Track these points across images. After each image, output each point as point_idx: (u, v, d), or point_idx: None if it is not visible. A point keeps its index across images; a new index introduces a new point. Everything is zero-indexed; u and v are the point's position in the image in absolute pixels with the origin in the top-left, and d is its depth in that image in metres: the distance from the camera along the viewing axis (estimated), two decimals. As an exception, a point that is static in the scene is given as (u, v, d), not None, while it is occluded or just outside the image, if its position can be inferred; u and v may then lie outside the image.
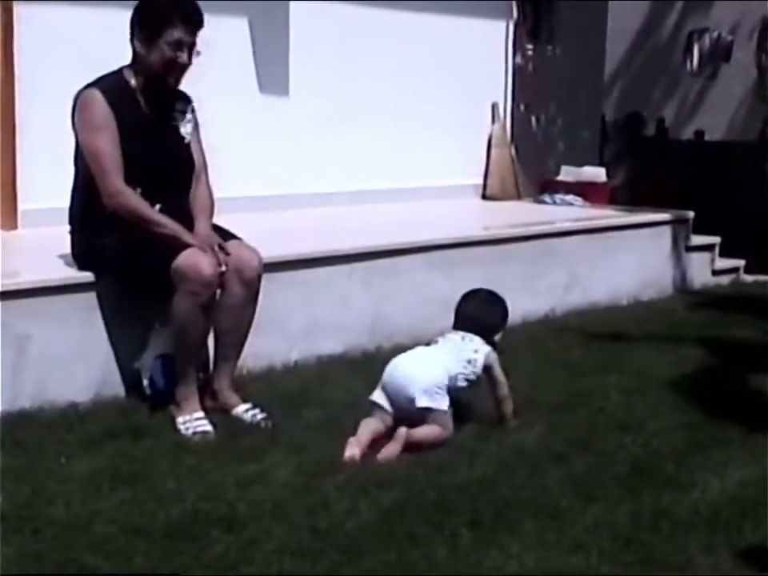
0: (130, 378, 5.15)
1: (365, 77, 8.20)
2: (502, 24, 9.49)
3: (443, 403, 4.65)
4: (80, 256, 5.19)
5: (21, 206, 6.59)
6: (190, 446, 4.52)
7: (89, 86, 4.98)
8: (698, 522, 3.85)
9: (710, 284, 8.60)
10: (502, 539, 3.70)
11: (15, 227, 6.57)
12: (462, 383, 4.78)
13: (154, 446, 4.49)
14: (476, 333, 4.93)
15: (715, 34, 12.71)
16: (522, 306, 5.53)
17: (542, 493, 4.10)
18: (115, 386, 5.16)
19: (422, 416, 4.61)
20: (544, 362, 5.89)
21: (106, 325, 5.15)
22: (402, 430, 4.53)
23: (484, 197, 9.26)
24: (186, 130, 5.19)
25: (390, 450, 4.48)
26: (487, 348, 4.88)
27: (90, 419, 4.77)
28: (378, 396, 4.72)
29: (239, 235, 5.12)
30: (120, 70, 5.06)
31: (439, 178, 8.70)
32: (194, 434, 4.70)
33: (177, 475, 4.16)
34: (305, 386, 5.33)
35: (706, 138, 12.63)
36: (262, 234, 5.42)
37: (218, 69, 7.42)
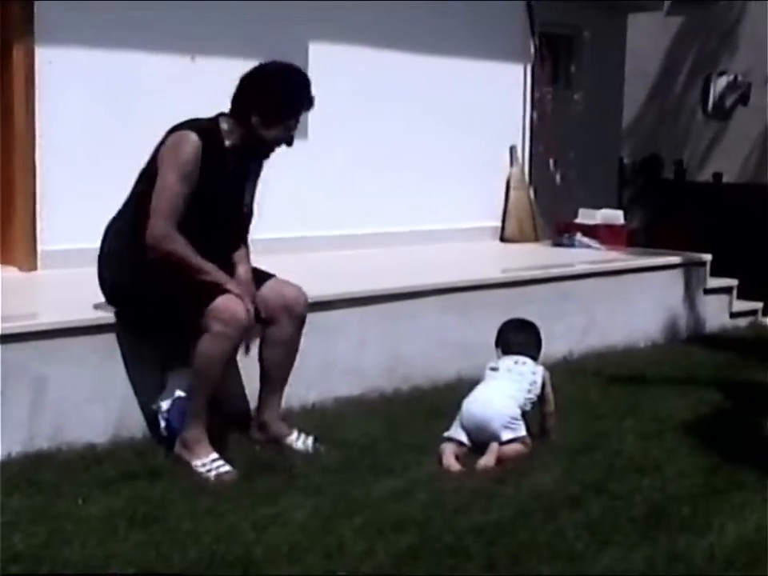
0: (148, 420, 5.17)
1: (383, 120, 8.24)
2: (520, 67, 9.54)
3: (522, 430, 5.08)
4: (113, 279, 5.13)
5: (40, 247, 6.63)
6: (207, 488, 4.53)
7: (185, 125, 5.02)
8: (714, 567, 3.83)
9: (728, 326, 8.57)
10: (518, 583, 3.70)
11: (35, 268, 6.61)
12: (528, 407, 5.21)
13: (170, 488, 4.49)
14: (525, 355, 5.34)
15: (732, 77, 12.74)
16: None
17: (558, 537, 4.09)
18: (132, 428, 5.17)
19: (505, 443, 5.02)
20: (561, 404, 5.88)
21: (124, 366, 5.17)
22: (495, 445, 4.95)
23: (502, 239, 9.27)
24: (249, 195, 5.28)
25: (486, 460, 4.89)
26: (540, 367, 5.33)
27: (106, 460, 4.79)
28: (455, 432, 5.08)
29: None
30: (216, 120, 5.10)
31: (458, 221, 8.72)
32: (217, 476, 4.71)
33: (193, 517, 4.17)
34: (322, 427, 5.33)
35: (724, 180, 12.63)
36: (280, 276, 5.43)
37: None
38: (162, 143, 5.02)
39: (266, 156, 5.19)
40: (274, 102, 5.04)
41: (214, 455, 4.81)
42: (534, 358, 5.38)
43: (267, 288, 5.16)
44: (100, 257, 5.20)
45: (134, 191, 5.15)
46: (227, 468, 4.76)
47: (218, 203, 5.04)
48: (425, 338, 6.32)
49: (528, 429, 5.13)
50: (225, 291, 4.82)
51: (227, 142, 5.06)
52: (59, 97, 6.64)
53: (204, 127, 5.03)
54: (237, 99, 5.10)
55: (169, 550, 3.85)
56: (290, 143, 5.15)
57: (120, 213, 5.21)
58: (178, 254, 4.86)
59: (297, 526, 4.13)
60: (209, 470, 4.74)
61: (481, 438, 5.03)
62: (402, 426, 5.45)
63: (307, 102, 5.13)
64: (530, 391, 5.21)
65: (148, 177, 5.01)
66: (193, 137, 4.93)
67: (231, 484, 4.60)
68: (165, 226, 4.85)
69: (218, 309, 4.75)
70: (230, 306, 4.77)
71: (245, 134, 5.05)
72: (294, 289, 5.21)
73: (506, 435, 5.01)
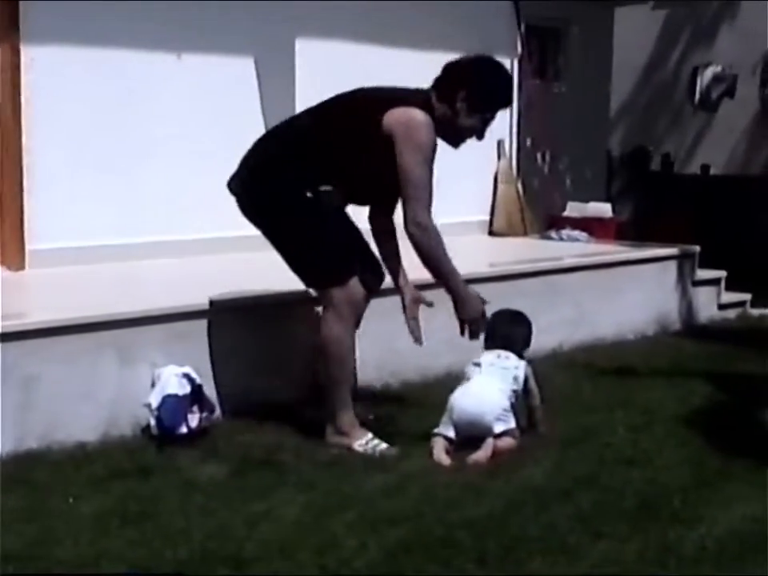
0: (138, 418, 5.16)
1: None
2: (507, 61, 9.51)
3: (512, 422, 5.10)
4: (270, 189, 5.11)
5: (28, 246, 6.62)
6: (198, 485, 4.52)
7: (412, 100, 5.02)
8: (705, 558, 3.84)
9: (717, 318, 8.59)
10: (510, 576, 3.71)
11: (23, 268, 6.60)
12: (513, 399, 5.18)
13: (161, 485, 4.49)
14: (508, 349, 5.31)
15: (719, 69, 12.75)
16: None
17: (550, 529, 4.09)
18: (123, 426, 5.17)
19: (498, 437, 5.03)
20: (551, 397, 5.88)
21: (114, 365, 5.17)
22: (490, 440, 4.97)
23: (491, 233, 9.29)
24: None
25: (480, 455, 4.91)
26: (522, 362, 5.30)
27: (97, 459, 4.79)
28: (444, 428, 5.07)
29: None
30: (429, 97, 5.09)
31: (446, 215, 8.60)
32: (380, 453, 4.97)
33: (184, 514, 4.17)
34: (313, 424, 5.33)
35: (712, 172, 12.65)
36: (272, 270, 5.44)
37: (224, 107, 7.50)
38: (373, 108, 4.97)
39: (456, 145, 5.22)
40: (483, 91, 5.10)
41: (370, 435, 5.04)
42: (519, 352, 5.35)
43: None
44: (253, 169, 5.18)
45: (304, 123, 5.21)
46: (385, 445, 4.99)
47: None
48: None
49: (517, 422, 5.14)
50: (461, 298, 5.06)
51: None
52: (46, 96, 6.62)
53: (427, 106, 5.02)
54: (446, 81, 5.13)
55: (160, 548, 3.85)
56: (481, 136, 5.23)
57: (275, 135, 5.27)
58: (436, 250, 5.00)
59: (289, 522, 4.13)
60: (371, 449, 4.97)
61: (472, 433, 5.02)
62: (392, 420, 5.45)
63: (508, 100, 5.32)
64: (513, 384, 5.19)
65: (344, 128, 5.03)
66: (429, 121, 4.96)
67: (222, 481, 4.59)
68: (426, 218, 4.94)
69: (351, 292, 4.97)
70: (360, 287, 5.00)
71: (447, 117, 5.05)
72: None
73: (498, 427, 5.01)
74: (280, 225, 5.13)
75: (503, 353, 5.29)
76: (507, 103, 5.34)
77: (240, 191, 5.17)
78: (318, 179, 5.04)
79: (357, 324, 5.17)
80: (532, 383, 5.29)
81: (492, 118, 5.18)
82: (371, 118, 4.95)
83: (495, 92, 5.19)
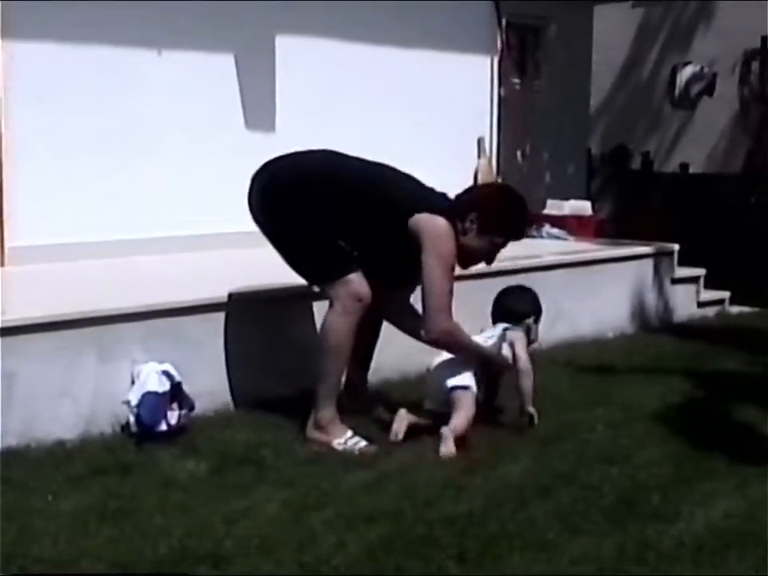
0: (117, 416, 5.15)
1: (351, 111, 8.24)
2: (487, 59, 9.55)
3: (467, 380, 5.16)
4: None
5: (8, 244, 6.60)
6: (178, 483, 4.51)
7: (441, 212, 5.13)
8: (684, 554, 3.85)
9: (696, 316, 8.63)
10: (490, 572, 3.71)
11: (2, 264, 6.58)
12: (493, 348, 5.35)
13: (141, 483, 4.48)
14: (507, 321, 5.49)
15: (698, 68, 12.79)
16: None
17: (529, 526, 4.10)
18: (102, 424, 5.15)
19: (452, 401, 5.13)
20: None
21: (93, 362, 5.15)
22: (445, 429, 4.97)
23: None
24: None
25: (447, 448, 4.91)
26: (517, 329, 5.43)
27: (76, 456, 4.77)
28: (427, 403, 5.26)
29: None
30: (450, 208, 5.21)
31: (426, 213, 8.71)
32: (360, 451, 4.99)
33: (164, 512, 4.16)
34: (293, 421, 5.33)
35: (691, 170, 12.70)
36: (253, 267, 5.44)
37: (203, 104, 7.49)
38: (416, 221, 5.08)
39: (463, 266, 5.35)
40: (493, 214, 5.21)
41: (350, 432, 5.06)
42: (515, 323, 5.48)
43: None
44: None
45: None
46: (365, 442, 5.00)
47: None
48: (394, 330, 6.31)
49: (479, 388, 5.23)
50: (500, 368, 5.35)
51: None
52: (24, 93, 6.60)
53: (448, 215, 5.14)
54: (464, 199, 5.31)
55: (140, 545, 3.84)
56: (489, 261, 5.34)
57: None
58: (465, 345, 5.24)
59: (268, 519, 4.13)
60: (350, 447, 4.98)
61: (442, 398, 5.18)
62: (372, 418, 5.45)
63: (517, 227, 5.36)
64: (491, 339, 5.37)
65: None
66: (451, 230, 5.11)
67: (202, 479, 4.59)
68: (446, 323, 5.11)
69: (353, 286, 5.01)
70: (365, 284, 5.04)
71: (457, 235, 5.15)
72: None
73: (450, 382, 5.15)
74: (286, 229, 5.22)
75: (502, 325, 5.45)
76: (517, 230, 5.36)
77: (265, 199, 5.30)
78: (331, 229, 5.16)
79: (376, 325, 5.44)
80: (519, 348, 5.37)
81: (503, 244, 5.26)
82: (397, 219, 5.10)
83: (506, 216, 5.26)
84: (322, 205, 5.16)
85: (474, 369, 5.23)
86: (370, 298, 5.08)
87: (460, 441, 4.96)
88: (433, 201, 5.22)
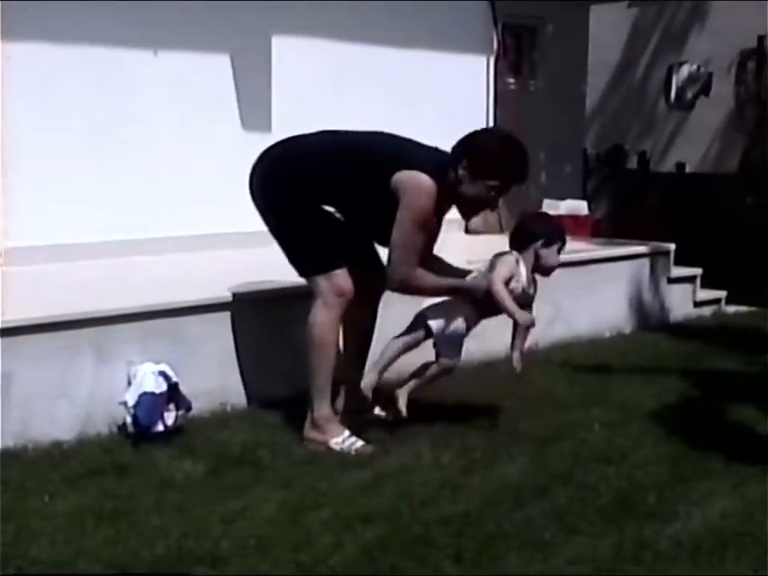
0: (114, 416, 5.15)
1: (347, 111, 8.21)
2: (483, 59, 9.55)
3: (442, 318, 5.16)
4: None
5: (3, 244, 6.59)
6: (175, 483, 4.52)
7: (425, 168, 5.03)
8: (681, 554, 3.86)
9: (692, 315, 8.63)
10: (486, 573, 3.71)
11: (-1, 265, 6.58)
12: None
13: (137, 483, 4.49)
14: (514, 247, 5.34)
15: (694, 67, 12.79)
16: (505, 340, 5.54)
17: (526, 526, 4.10)
18: (99, 424, 5.15)
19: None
20: (528, 394, 5.90)
21: (90, 363, 5.15)
22: (402, 390, 5.15)
23: (467, 231, 9.28)
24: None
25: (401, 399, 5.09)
26: (509, 254, 5.27)
27: (73, 457, 4.78)
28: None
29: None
30: (444, 164, 5.10)
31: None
32: (357, 451, 4.98)
33: (161, 512, 4.16)
34: (290, 421, 5.33)
35: (687, 170, 12.70)
36: (249, 268, 5.43)
37: (200, 104, 7.49)
38: (396, 177, 5.01)
39: (465, 216, 5.40)
40: (483, 157, 5.07)
41: (347, 432, 5.05)
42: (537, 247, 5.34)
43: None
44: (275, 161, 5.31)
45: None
46: (362, 442, 5.00)
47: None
48: (389, 329, 6.31)
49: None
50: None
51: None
52: (21, 93, 6.60)
53: (437, 176, 5.03)
54: (456, 149, 5.15)
55: (137, 546, 3.84)
56: (492, 208, 5.29)
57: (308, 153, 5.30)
58: (426, 285, 5.15)
59: (265, 520, 4.13)
60: (347, 447, 4.97)
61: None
62: (368, 418, 5.44)
63: (514, 170, 5.16)
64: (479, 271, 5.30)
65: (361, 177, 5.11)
66: (433, 188, 4.99)
67: (199, 479, 4.59)
68: (405, 272, 5.04)
69: (336, 280, 5.03)
70: (348, 280, 5.05)
71: (453, 185, 5.07)
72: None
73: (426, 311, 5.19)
74: (283, 218, 5.21)
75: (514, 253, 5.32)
76: (512, 173, 5.16)
77: (263, 183, 5.28)
78: (326, 200, 5.15)
79: (369, 322, 5.44)
80: (493, 275, 5.15)
81: (499, 188, 5.10)
82: (382, 177, 5.02)
83: (497, 159, 5.10)
84: (314, 175, 5.16)
85: (459, 311, 5.18)
86: (353, 293, 5.08)
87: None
88: (420, 159, 5.09)
